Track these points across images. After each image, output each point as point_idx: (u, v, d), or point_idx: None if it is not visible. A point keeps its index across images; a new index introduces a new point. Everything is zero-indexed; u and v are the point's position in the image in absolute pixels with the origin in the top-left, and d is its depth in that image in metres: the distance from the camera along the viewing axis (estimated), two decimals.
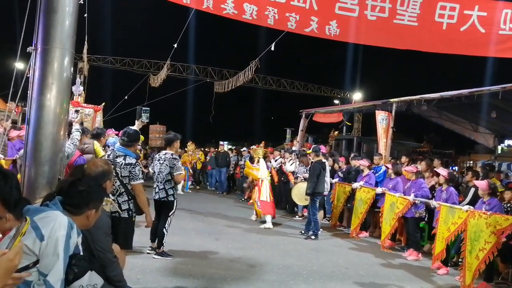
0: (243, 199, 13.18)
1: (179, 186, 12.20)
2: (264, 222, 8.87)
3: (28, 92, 3.46)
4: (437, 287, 5.72)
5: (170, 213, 5.97)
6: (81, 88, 10.02)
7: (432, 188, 7.73)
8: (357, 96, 27.76)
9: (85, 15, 9.30)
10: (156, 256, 5.86)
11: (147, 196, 4.69)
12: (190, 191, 14.61)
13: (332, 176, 9.53)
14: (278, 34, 7.33)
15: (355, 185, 8.77)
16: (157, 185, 6.04)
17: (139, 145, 8.93)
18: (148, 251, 6.04)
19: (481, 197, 6.10)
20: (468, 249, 5.61)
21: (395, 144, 12.25)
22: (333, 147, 15.40)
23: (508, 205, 6.23)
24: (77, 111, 7.43)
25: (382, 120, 10.45)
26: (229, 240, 7.37)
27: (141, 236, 5.93)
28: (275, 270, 5.75)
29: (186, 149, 15.66)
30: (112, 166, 4.00)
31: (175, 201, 6.03)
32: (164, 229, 5.91)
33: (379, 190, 8.15)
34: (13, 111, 7.66)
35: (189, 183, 15.03)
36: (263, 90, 28.46)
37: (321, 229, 8.42)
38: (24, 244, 1.96)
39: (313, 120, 14.25)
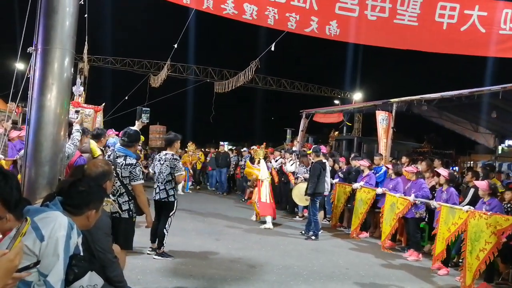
0: (243, 200, 13.18)
1: (179, 187, 12.21)
2: (264, 222, 8.87)
3: (29, 92, 3.46)
4: None
5: (171, 214, 5.97)
6: (82, 88, 10.01)
7: (433, 189, 7.73)
8: (357, 96, 27.75)
9: (86, 15, 9.30)
10: (156, 257, 5.86)
11: (147, 197, 4.69)
12: (190, 192, 14.61)
13: (332, 177, 9.53)
14: (278, 34, 7.33)
15: (356, 185, 8.77)
16: (158, 186, 6.04)
17: (139, 145, 8.94)
18: (149, 252, 6.04)
19: (482, 197, 6.10)
20: (469, 249, 5.61)
21: (395, 144, 12.24)
22: (333, 147, 15.39)
23: (508, 205, 6.22)
24: (77, 112, 7.42)
25: (383, 120, 10.44)
26: (230, 240, 7.37)
27: (142, 236, 5.93)
28: (275, 270, 5.75)
29: (186, 149, 15.66)
30: (113, 167, 4.00)
31: (175, 201, 6.03)
32: (164, 229, 5.91)
33: (379, 190, 8.15)
34: (14, 111, 7.67)
35: (190, 183, 15.03)
36: (263, 90, 28.49)
37: (321, 230, 8.42)
38: (24, 245, 1.96)
39: (313, 120, 14.25)
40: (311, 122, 14.25)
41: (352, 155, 10.62)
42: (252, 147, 14.07)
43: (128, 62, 25.61)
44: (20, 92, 3.96)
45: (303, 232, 8.39)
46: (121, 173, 4.50)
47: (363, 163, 9.13)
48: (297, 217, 10.44)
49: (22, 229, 2.00)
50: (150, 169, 6.98)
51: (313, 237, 8.00)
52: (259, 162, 9.68)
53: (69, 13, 3.47)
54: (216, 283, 5.07)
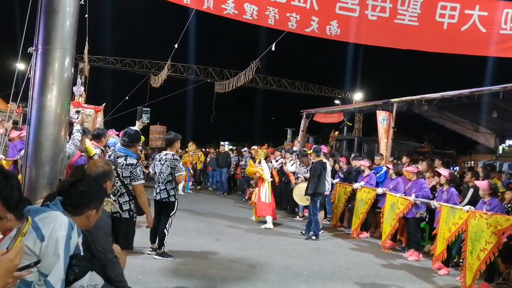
0: (243, 200, 13.19)
1: (180, 187, 12.22)
2: (264, 222, 8.88)
3: (29, 92, 3.46)
4: None
5: (171, 214, 5.98)
6: (82, 88, 10.02)
7: (433, 189, 7.72)
8: (357, 96, 27.73)
9: (86, 15, 9.30)
10: (156, 257, 5.87)
11: (148, 197, 4.70)
12: (191, 192, 14.61)
13: (333, 177, 9.53)
14: (278, 34, 7.33)
15: (356, 185, 8.76)
16: (158, 186, 6.05)
17: (140, 145, 8.94)
18: (149, 252, 6.04)
19: (482, 197, 6.09)
20: (469, 249, 5.60)
21: (396, 144, 12.24)
22: (334, 147, 15.38)
23: (509, 205, 6.22)
24: (78, 112, 7.42)
25: (383, 120, 10.44)
26: (230, 240, 7.37)
27: (142, 236, 5.93)
28: (275, 270, 5.75)
29: (187, 149, 15.67)
30: (113, 167, 4.00)
31: (176, 201, 6.03)
32: (165, 229, 5.92)
33: (380, 190, 8.15)
34: (14, 111, 7.68)
35: (190, 183, 15.03)
36: (264, 90, 28.49)
37: (321, 230, 8.42)
38: (25, 245, 1.96)
39: (313, 120, 14.25)
40: (311, 122, 14.25)
41: (353, 155, 10.62)
42: (252, 147, 14.08)
43: (129, 62, 25.63)
44: (21, 92, 3.97)
45: (303, 232, 8.39)
46: (122, 173, 4.50)
47: (364, 163, 9.13)
48: (297, 217, 10.44)
49: (23, 229, 2.01)
50: (150, 169, 6.98)
51: (313, 237, 8.00)
52: (260, 162, 9.69)
53: (70, 13, 3.47)
54: (217, 283, 5.07)
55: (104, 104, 10.24)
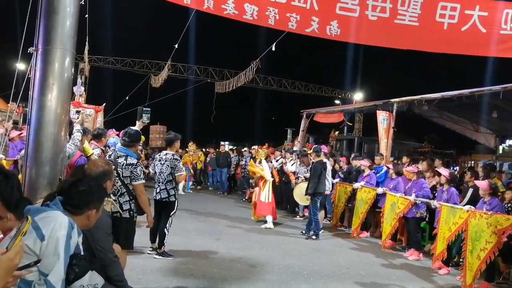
0: (244, 200, 13.19)
1: (180, 186, 12.22)
2: (265, 222, 8.88)
3: (29, 92, 3.46)
4: (438, 287, 5.72)
5: (171, 213, 5.98)
6: (82, 88, 10.04)
7: (433, 188, 7.73)
8: (358, 96, 27.74)
9: (86, 15, 9.31)
10: (157, 256, 5.87)
11: (148, 196, 4.70)
12: (191, 192, 14.62)
13: (333, 176, 9.53)
14: (278, 34, 7.33)
15: (356, 185, 8.77)
16: (158, 185, 6.05)
17: (140, 145, 8.95)
18: (149, 252, 6.05)
19: (482, 197, 6.10)
20: (469, 249, 5.61)
21: (396, 144, 12.24)
22: (334, 147, 15.39)
23: (509, 205, 6.22)
24: (78, 112, 7.45)
25: (383, 120, 10.44)
26: (230, 240, 7.38)
27: (142, 236, 5.94)
28: (276, 270, 5.75)
29: (187, 149, 15.68)
30: (113, 166, 4.00)
31: (176, 201, 6.04)
32: (165, 229, 5.92)
33: (380, 190, 8.15)
34: (15, 111, 7.68)
35: (190, 183, 15.04)
36: (264, 90, 28.49)
37: (322, 229, 8.42)
38: (25, 244, 1.97)
39: (314, 120, 14.25)
40: (311, 122, 14.25)
41: (353, 155, 10.62)
42: (253, 147, 14.08)
43: (129, 62, 25.63)
44: (21, 92, 3.97)
45: (303, 231, 8.40)
46: (122, 173, 4.51)
47: (364, 163, 9.13)
48: (297, 216, 10.45)
49: (23, 228, 2.01)
50: (150, 169, 6.99)
51: (313, 237, 8.01)
52: (260, 162, 9.70)
53: (70, 13, 3.47)
54: (217, 282, 5.07)
55: (104, 104, 10.25)
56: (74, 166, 4.72)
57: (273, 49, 8.38)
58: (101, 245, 2.95)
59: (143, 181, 4.60)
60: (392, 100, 10.42)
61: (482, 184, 6.13)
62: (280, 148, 14.73)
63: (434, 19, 5.65)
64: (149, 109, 5.54)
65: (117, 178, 4.45)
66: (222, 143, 23.31)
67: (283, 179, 11.29)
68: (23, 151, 4.36)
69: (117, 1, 15.60)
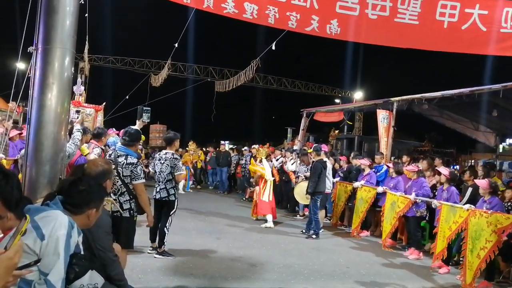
0: (244, 199, 13.20)
1: (180, 186, 12.22)
2: (265, 221, 8.88)
3: (29, 92, 3.46)
4: (438, 286, 5.72)
5: (171, 213, 5.98)
6: (82, 88, 10.02)
7: (433, 187, 7.72)
8: (358, 95, 27.74)
9: (86, 15, 9.30)
10: (157, 256, 5.87)
11: (148, 196, 4.70)
12: (191, 191, 14.62)
13: (333, 176, 9.53)
14: (278, 33, 7.32)
15: (356, 184, 8.77)
16: (158, 185, 6.05)
17: (140, 144, 8.94)
18: (149, 251, 6.05)
19: (482, 196, 6.10)
20: (469, 248, 5.61)
21: (396, 143, 12.25)
22: (334, 146, 15.39)
23: (509, 204, 6.22)
24: (78, 111, 7.43)
25: (383, 119, 10.44)
26: (230, 239, 7.38)
27: (142, 235, 5.94)
28: (276, 269, 5.76)
29: (187, 148, 15.67)
30: (114, 166, 4.00)
31: (176, 200, 6.04)
32: (165, 228, 5.93)
33: (380, 189, 8.16)
34: (15, 111, 7.68)
35: (190, 182, 15.04)
36: (264, 89, 28.50)
37: (322, 228, 8.42)
38: (25, 244, 1.96)
39: (314, 119, 14.26)
40: (311, 121, 14.26)
41: (353, 154, 10.61)
42: (253, 146, 14.08)
43: (129, 62, 25.63)
44: (21, 92, 3.96)
45: (303, 231, 8.40)
46: (122, 172, 4.51)
47: (364, 162, 9.14)
48: (298, 216, 10.45)
49: (21, 228, 2.01)
50: (150, 168, 6.99)
51: (313, 236, 8.01)
52: (261, 161, 9.70)
53: (70, 12, 3.47)
54: (217, 281, 5.07)
55: (104, 104, 10.24)
56: (74, 165, 4.73)
57: (273, 48, 8.38)
58: (101, 245, 2.95)
59: (143, 180, 4.60)
60: (392, 99, 10.42)
61: (482, 183, 6.13)
62: (280, 147, 14.72)
63: (434, 17, 5.64)
64: (149, 108, 5.53)
65: (117, 178, 4.45)
66: (222, 142, 23.30)
67: (283, 178, 11.29)
68: (23, 151, 4.36)
69: (117, 1, 15.62)
